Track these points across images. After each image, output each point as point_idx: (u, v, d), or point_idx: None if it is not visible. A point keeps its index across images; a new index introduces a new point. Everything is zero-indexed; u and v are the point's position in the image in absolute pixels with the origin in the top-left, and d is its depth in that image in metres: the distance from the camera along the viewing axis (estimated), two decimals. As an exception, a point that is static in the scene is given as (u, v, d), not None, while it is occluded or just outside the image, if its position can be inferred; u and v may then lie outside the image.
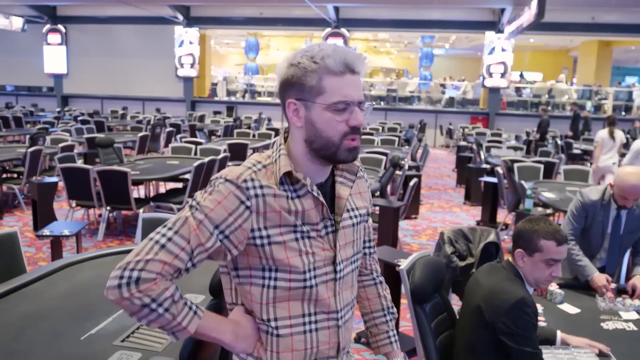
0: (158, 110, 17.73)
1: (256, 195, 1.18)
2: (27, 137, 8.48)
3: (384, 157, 7.37)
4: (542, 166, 7.06)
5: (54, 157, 6.73)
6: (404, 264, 2.29)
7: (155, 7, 16.59)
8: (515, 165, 6.84)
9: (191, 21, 18.22)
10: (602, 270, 2.95)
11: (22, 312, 2.13)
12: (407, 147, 10.88)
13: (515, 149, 10.23)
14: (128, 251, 1.75)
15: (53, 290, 2.37)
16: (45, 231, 4.07)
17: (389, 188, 6.25)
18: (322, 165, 1.25)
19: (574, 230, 3.01)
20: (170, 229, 1.16)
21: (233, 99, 19.83)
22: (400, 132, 13.60)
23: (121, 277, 1.11)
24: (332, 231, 1.27)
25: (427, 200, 8.43)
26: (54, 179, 5.99)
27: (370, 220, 1.50)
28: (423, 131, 14.87)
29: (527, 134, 13.90)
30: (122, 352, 1.87)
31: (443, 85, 20.56)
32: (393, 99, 19.19)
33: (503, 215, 6.76)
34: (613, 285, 2.71)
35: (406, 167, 7.08)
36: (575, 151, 10.89)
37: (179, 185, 6.94)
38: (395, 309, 1.58)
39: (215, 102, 19.33)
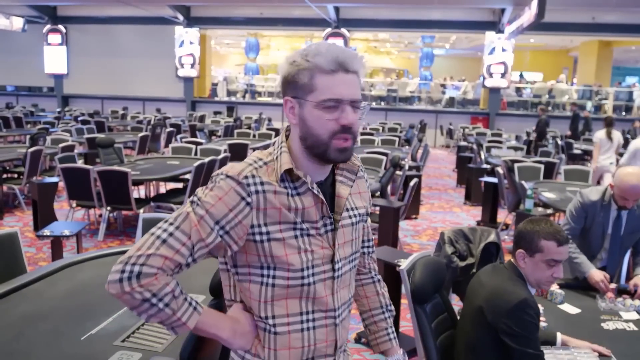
0: (158, 110, 17.73)
1: (257, 192, 1.19)
2: (28, 137, 8.48)
3: (384, 157, 7.37)
4: (542, 166, 7.06)
5: (54, 157, 6.73)
6: (404, 264, 2.29)
7: (155, 7, 16.60)
8: (516, 165, 6.84)
9: (191, 21, 18.23)
10: (602, 270, 2.95)
11: (22, 312, 2.13)
12: (407, 147, 10.88)
13: (516, 149, 10.23)
14: (128, 251, 1.75)
15: (53, 290, 2.37)
16: (46, 231, 4.07)
17: (389, 188, 6.25)
18: (318, 163, 1.25)
19: (573, 230, 3.01)
20: (171, 224, 1.17)
21: (233, 99, 19.83)
22: (401, 132, 13.60)
23: (122, 272, 1.12)
24: (332, 230, 1.28)
25: (428, 200, 8.42)
26: (54, 179, 5.99)
27: (369, 220, 1.50)
28: (423, 131, 14.87)
29: (528, 134, 13.90)
30: (123, 352, 1.87)
31: (443, 86, 20.56)
32: (393, 99, 19.18)
33: (503, 216, 6.76)
34: (613, 286, 2.71)
35: (406, 167, 7.08)
36: (576, 151, 10.89)
37: (180, 185, 6.94)
38: (393, 307, 1.59)
39: (216, 102, 19.33)
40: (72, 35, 19.66)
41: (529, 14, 11.36)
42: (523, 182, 5.87)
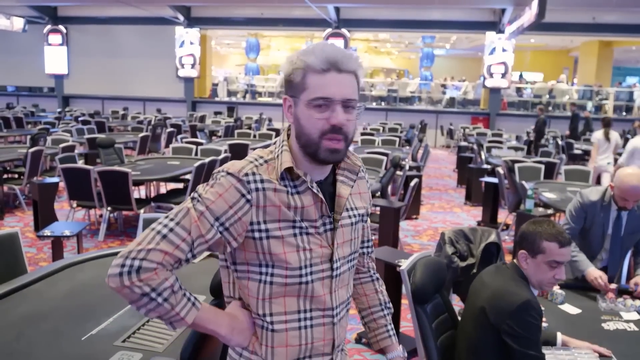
0: (159, 110, 17.73)
1: (257, 189, 1.20)
2: (28, 137, 8.48)
3: (384, 158, 7.36)
4: (542, 166, 7.07)
5: (54, 157, 6.74)
6: (404, 265, 2.29)
7: (155, 7, 16.60)
8: (516, 165, 6.84)
9: (192, 22, 18.23)
10: (603, 270, 2.95)
11: (23, 313, 2.13)
12: (407, 147, 10.88)
13: (516, 149, 10.22)
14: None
15: (54, 290, 2.37)
16: (46, 231, 4.07)
17: (389, 188, 6.25)
18: (314, 163, 1.26)
19: (572, 230, 3.01)
20: (172, 219, 1.18)
21: (234, 99, 19.83)
22: (401, 132, 13.60)
23: (123, 266, 1.12)
24: (331, 229, 1.28)
25: (428, 200, 8.42)
26: (54, 180, 6.00)
27: (369, 220, 1.50)
28: (424, 131, 14.86)
29: (528, 134, 13.91)
30: (123, 353, 1.87)
31: (444, 86, 20.56)
32: (394, 99, 19.18)
33: (504, 216, 6.75)
34: (614, 286, 2.70)
35: (407, 167, 7.09)
36: (576, 151, 10.89)
37: (180, 185, 6.94)
38: (391, 304, 1.60)
39: (216, 102, 19.34)
40: (72, 36, 19.67)
41: (529, 14, 11.36)
42: (523, 182, 5.87)
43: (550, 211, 5.18)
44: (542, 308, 2.47)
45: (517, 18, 13.02)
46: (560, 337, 2.18)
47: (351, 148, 1.37)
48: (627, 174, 2.84)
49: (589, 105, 17.41)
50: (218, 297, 1.72)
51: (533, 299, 1.92)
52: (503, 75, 16.86)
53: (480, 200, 7.37)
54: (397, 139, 10.89)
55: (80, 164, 6.49)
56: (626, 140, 8.90)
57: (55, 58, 19.71)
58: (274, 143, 1.30)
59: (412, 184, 5.44)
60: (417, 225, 6.86)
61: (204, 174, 6.04)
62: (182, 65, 18.71)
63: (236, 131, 11.99)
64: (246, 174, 1.20)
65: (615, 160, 7.85)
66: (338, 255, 1.29)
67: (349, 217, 1.33)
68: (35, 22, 18.93)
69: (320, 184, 1.28)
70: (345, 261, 1.33)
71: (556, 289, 2.65)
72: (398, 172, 6.52)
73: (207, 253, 2.78)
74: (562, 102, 18.16)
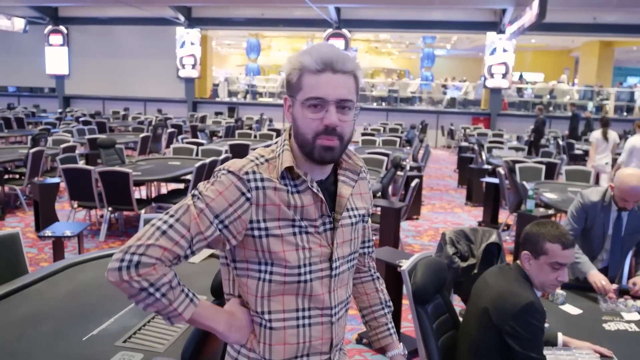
0: (159, 111, 17.74)
1: (257, 188, 1.21)
2: (29, 138, 8.48)
3: (385, 158, 7.36)
4: (543, 167, 7.07)
5: (55, 158, 6.74)
6: (405, 265, 2.29)
7: (156, 8, 16.60)
8: (517, 165, 6.84)
9: (192, 22, 18.23)
10: (604, 271, 2.95)
11: (24, 313, 2.13)
12: (408, 147, 10.88)
13: (517, 149, 10.22)
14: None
15: (55, 291, 2.37)
16: (47, 232, 4.07)
17: (390, 189, 6.24)
18: (312, 162, 1.26)
19: (574, 231, 3.01)
20: (172, 216, 1.19)
21: (234, 99, 19.84)
22: (402, 132, 13.59)
23: (122, 260, 1.14)
24: (331, 228, 1.29)
25: (429, 201, 8.42)
26: (55, 180, 6.00)
27: (370, 221, 1.51)
28: (424, 132, 14.84)
29: (529, 135, 13.90)
30: (124, 353, 1.87)
31: (444, 86, 20.55)
32: (394, 99, 19.17)
33: (505, 216, 6.75)
34: (615, 286, 2.70)
35: (407, 167, 7.09)
36: (577, 151, 10.88)
37: (181, 186, 6.95)
38: (391, 302, 1.61)
39: (217, 102, 19.34)
40: (73, 36, 19.68)
41: (530, 15, 11.35)
42: (524, 182, 5.87)
43: (551, 211, 5.18)
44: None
45: (518, 18, 13.02)
46: (561, 337, 2.18)
47: (352, 148, 1.37)
48: (627, 174, 2.84)
49: (590, 105, 17.40)
50: (219, 298, 1.72)
51: (536, 301, 1.91)
52: (504, 76, 16.85)
53: (481, 200, 7.36)
54: (398, 140, 10.89)
55: (81, 164, 6.49)
56: (626, 140, 8.94)
57: (56, 58, 19.73)
58: (276, 142, 1.31)
59: (413, 184, 5.44)
60: (417, 226, 6.86)
61: (205, 174, 6.04)
62: (183, 66, 18.72)
63: (237, 131, 11.99)
64: (246, 173, 1.21)
65: (615, 160, 7.90)
66: (337, 255, 1.30)
67: (350, 217, 1.33)
68: (36, 22, 18.94)
69: (321, 184, 1.29)
70: (344, 261, 1.33)
71: (557, 289, 2.65)
72: (399, 173, 6.52)
73: (208, 253, 2.79)
74: (562, 102, 18.14)
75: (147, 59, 19.10)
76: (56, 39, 19.58)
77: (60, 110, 17.79)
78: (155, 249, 1.15)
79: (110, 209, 5.68)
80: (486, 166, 8.26)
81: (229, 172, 1.22)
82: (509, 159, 7.66)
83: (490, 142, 11.34)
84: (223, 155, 7.10)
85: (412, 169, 7.64)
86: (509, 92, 18.26)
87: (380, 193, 5.66)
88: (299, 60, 1.22)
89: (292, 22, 17.68)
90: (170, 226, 1.17)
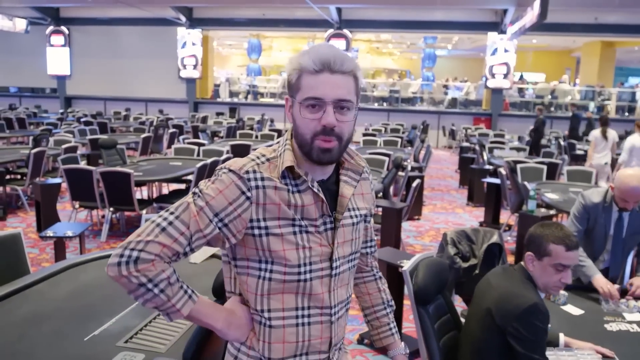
0: (161, 111, 17.75)
1: (257, 187, 1.22)
2: (31, 138, 8.48)
3: (386, 158, 7.36)
4: (545, 167, 7.06)
5: (57, 158, 6.75)
6: (406, 265, 2.29)
7: (157, 8, 16.61)
8: (518, 166, 6.84)
9: (194, 22, 18.24)
10: (605, 271, 2.94)
11: (25, 313, 2.13)
12: (409, 148, 10.88)
13: (518, 149, 10.21)
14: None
15: (56, 291, 2.37)
16: (49, 232, 4.08)
17: (391, 189, 6.24)
18: (311, 163, 1.26)
19: (578, 232, 3.00)
20: (172, 213, 1.20)
21: (235, 100, 19.85)
22: (403, 133, 13.59)
23: (121, 256, 1.15)
24: (331, 228, 1.29)
25: (430, 201, 8.42)
26: (57, 180, 6.00)
27: (372, 221, 1.51)
28: (426, 132, 14.84)
29: (530, 135, 13.88)
30: (126, 353, 1.88)
31: (446, 86, 20.53)
32: (396, 100, 19.17)
33: (506, 217, 6.75)
34: (616, 287, 2.70)
35: (409, 168, 7.08)
36: (578, 152, 10.87)
37: (182, 186, 6.95)
38: (393, 301, 1.62)
39: (218, 103, 19.35)
40: (74, 37, 19.70)
41: (531, 15, 11.34)
42: (526, 183, 5.87)
43: (552, 212, 5.17)
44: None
45: (519, 18, 13.01)
46: (562, 338, 2.17)
47: (353, 148, 1.38)
48: (627, 175, 2.84)
49: (592, 105, 17.37)
50: (220, 298, 1.72)
51: (540, 302, 1.90)
52: (505, 76, 16.83)
53: (483, 201, 7.36)
54: (399, 140, 10.88)
55: (83, 164, 6.50)
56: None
57: (57, 59, 19.74)
58: (278, 142, 1.32)
59: (414, 184, 5.44)
60: (419, 226, 6.86)
61: (206, 174, 6.04)
62: (184, 66, 18.74)
63: (238, 132, 11.99)
64: (247, 172, 1.22)
65: (615, 160, 7.93)
66: (338, 255, 1.30)
67: (351, 217, 1.34)
68: (37, 23, 18.96)
69: (323, 183, 1.29)
70: (345, 261, 1.33)
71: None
72: (400, 173, 6.51)
73: (209, 254, 2.79)
74: (564, 102, 18.12)
75: (149, 59, 19.12)
76: (58, 39, 19.60)
77: (61, 111, 17.80)
78: (154, 245, 1.16)
79: (111, 209, 5.69)
80: (487, 166, 8.26)
81: (230, 170, 1.23)
82: (511, 159, 7.65)
83: (492, 142, 11.34)
84: (224, 156, 7.10)
85: (413, 169, 7.63)
86: (510, 92, 18.25)
87: (381, 193, 5.66)
88: (298, 61, 1.23)
89: (293, 23, 17.68)
90: (170, 223, 1.18)
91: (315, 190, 1.25)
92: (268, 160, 1.26)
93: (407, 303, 3.44)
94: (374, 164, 7.13)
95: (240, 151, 8.58)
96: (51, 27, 19.45)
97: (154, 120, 14.67)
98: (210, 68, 20.11)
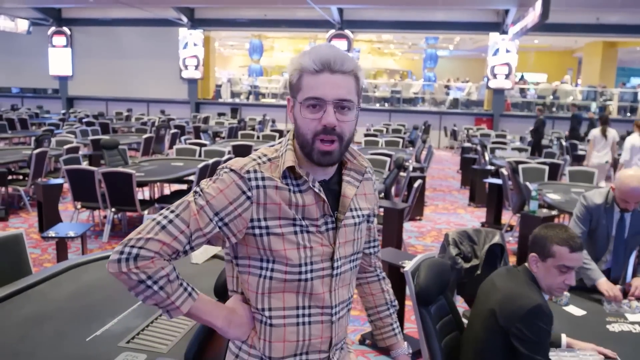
0: (162, 112, 17.77)
1: (257, 187, 1.23)
2: (33, 139, 8.50)
3: (388, 159, 7.36)
4: (547, 167, 7.05)
5: (59, 158, 6.76)
6: (408, 266, 2.29)
7: (159, 9, 16.64)
8: (520, 166, 6.83)
9: (195, 23, 18.26)
10: (607, 272, 2.94)
11: (27, 314, 2.13)
12: (411, 148, 10.87)
13: (520, 150, 10.20)
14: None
15: (58, 291, 2.37)
16: (51, 233, 4.08)
17: (393, 189, 6.24)
18: (312, 163, 1.26)
19: (582, 234, 2.99)
20: (172, 211, 1.22)
21: (237, 100, 19.86)
22: (405, 133, 13.58)
23: (121, 253, 1.17)
24: (333, 228, 1.30)
25: (432, 201, 8.41)
26: (59, 181, 6.01)
27: (376, 221, 1.51)
28: (427, 132, 14.84)
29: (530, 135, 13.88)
30: (127, 354, 1.88)
31: (447, 87, 20.52)
32: (397, 100, 19.17)
33: (508, 217, 6.74)
34: (619, 287, 2.69)
35: (410, 168, 7.08)
36: (580, 152, 10.85)
37: (184, 186, 6.96)
38: (397, 301, 1.62)
39: (220, 103, 19.36)
40: (76, 37, 19.73)
41: (533, 15, 11.34)
42: (527, 183, 5.86)
43: (554, 212, 5.16)
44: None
45: (521, 19, 13.00)
46: (564, 338, 2.17)
47: (355, 148, 1.38)
48: (627, 175, 2.84)
49: (593, 106, 17.35)
50: (221, 298, 1.72)
51: (544, 304, 1.90)
52: (507, 76, 16.82)
53: (484, 201, 7.35)
54: (401, 140, 10.88)
55: (85, 165, 6.51)
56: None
57: (59, 60, 19.77)
58: (280, 142, 1.33)
59: (416, 185, 5.44)
60: (420, 227, 6.85)
61: (208, 175, 6.04)
62: (186, 67, 18.75)
63: (240, 132, 12.00)
64: (248, 171, 1.23)
65: (616, 160, 7.94)
66: (339, 255, 1.30)
67: (353, 217, 1.34)
68: (39, 23, 18.99)
69: (325, 183, 1.30)
70: (346, 261, 1.33)
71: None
72: (402, 173, 6.51)
73: (211, 254, 2.79)
74: (566, 103, 18.10)
75: (150, 60, 19.14)
76: (59, 40, 19.62)
77: (63, 111, 17.83)
78: (154, 242, 1.17)
79: (113, 209, 5.70)
80: (489, 167, 8.25)
81: (231, 170, 1.23)
82: (512, 159, 7.65)
83: (493, 142, 11.33)
84: (226, 156, 7.11)
85: (414, 169, 7.62)
86: (512, 92, 18.23)
87: (383, 194, 5.66)
88: (299, 61, 1.23)
89: (294, 23, 17.68)
90: (170, 221, 1.20)
91: (317, 190, 1.25)
92: (269, 160, 1.27)
93: (409, 304, 3.44)
94: (375, 164, 7.12)
95: (242, 152, 8.58)
96: (53, 28, 19.48)
97: (155, 120, 14.68)
98: (211, 68, 20.12)
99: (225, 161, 5.83)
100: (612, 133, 8.09)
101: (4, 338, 1.94)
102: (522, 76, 21.91)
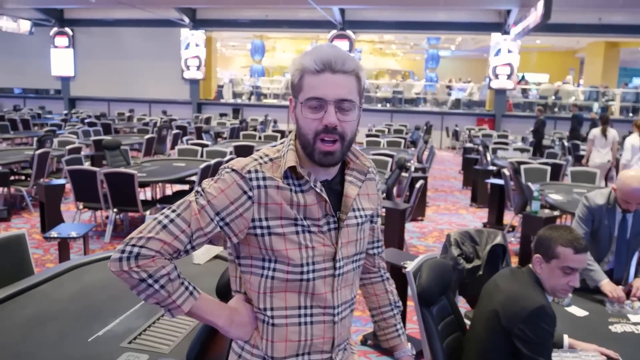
0: (164, 112, 17.78)
1: (259, 187, 1.23)
2: (35, 139, 8.52)
3: (390, 159, 7.35)
4: (549, 168, 7.05)
5: (61, 159, 6.77)
6: (410, 266, 2.28)
7: (161, 9, 16.66)
8: (522, 167, 6.82)
9: (197, 24, 18.28)
10: (609, 273, 2.93)
11: (29, 314, 2.14)
12: (413, 149, 10.86)
13: (522, 150, 10.19)
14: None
15: (60, 292, 2.37)
16: (53, 233, 4.08)
17: (395, 190, 6.24)
18: (314, 164, 1.26)
19: (584, 234, 2.99)
20: (174, 211, 1.22)
21: (239, 101, 19.87)
22: (407, 133, 13.57)
23: (123, 251, 1.18)
24: (335, 228, 1.29)
25: (434, 202, 8.41)
26: (61, 181, 6.02)
27: (380, 221, 1.51)
28: (429, 133, 14.82)
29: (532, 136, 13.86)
30: (129, 354, 1.88)
31: (449, 87, 20.51)
32: (399, 100, 19.16)
33: (510, 218, 6.73)
34: (621, 288, 2.69)
35: (412, 169, 7.07)
36: (582, 152, 10.83)
37: (186, 187, 6.96)
38: (400, 302, 1.62)
39: (221, 104, 19.37)
40: (78, 38, 19.76)
41: (535, 15, 11.32)
42: (529, 183, 5.85)
43: (556, 213, 5.16)
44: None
45: (523, 19, 12.98)
46: (567, 339, 2.16)
47: (358, 148, 1.38)
48: (628, 176, 2.83)
49: (595, 106, 17.32)
50: (224, 298, 1.72)
51: (547, 305, 1.90)
52: (508, 77, 16.80)
53: (486, 201, 7.34)
54: (403, 141, 10.87)
55: (87, 165, 6.52)
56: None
57: (61, 60, 19.80)
58: (282, 142, 1.33)
59: (418, 185, 5.43)
60: (422, 227, 6.85)
61: (210, 175, 6.04)
62: (188, 67, 18.77)
63: (241, 133, 12.01)
64: (249, 171, 1.23)
65: (617, 160, 7.94)
66: (341, 255, 1.30)
67: (355, 217, 1.33)
68: (41, 24, 19.02)
69: (327, 183, 1.30)
70: (349, 261, 1.33)
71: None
72: (403, 174, 6.51)
73: (213, 254, 2.79)
74: (568, 103, 18.07)
75: (152, 60, 19.16)
76: (62, 40, 19.65)
77: (65, 112, 17.86)
78: (155, 242, 1.17)
79: (115, 210, 5.70)
80: (491, 167, 8.24)
81: (232, 170, 1.24)
82: (514, 160, 7.64)
83: (495, 143, 11.32)
84: (228, 157, 7.11)
85: (416, 170, 7.62)
86: (514, 93, 18.22)
87: (385, 194, 5.66)
88: (300, 61, 1.23)
89: (296, 24, 17.69)
90: (171, 221, 1.20)
91: (318, 190, 1.25)
92: (271, 160, 1.27)
93: (411, 304, 3.44)
94: (377, 165, 7.11)
95: (244, 152, 8.58)
96: (55, 29, 19.50)
97: (157, 121, 14.70)
98: (213, 69, 20.14)
99: (227, 161, 5.81)
100: (613, 133, 8.12)
101: (6, 338, 1.95)
102: (523, 76, 21.90)
